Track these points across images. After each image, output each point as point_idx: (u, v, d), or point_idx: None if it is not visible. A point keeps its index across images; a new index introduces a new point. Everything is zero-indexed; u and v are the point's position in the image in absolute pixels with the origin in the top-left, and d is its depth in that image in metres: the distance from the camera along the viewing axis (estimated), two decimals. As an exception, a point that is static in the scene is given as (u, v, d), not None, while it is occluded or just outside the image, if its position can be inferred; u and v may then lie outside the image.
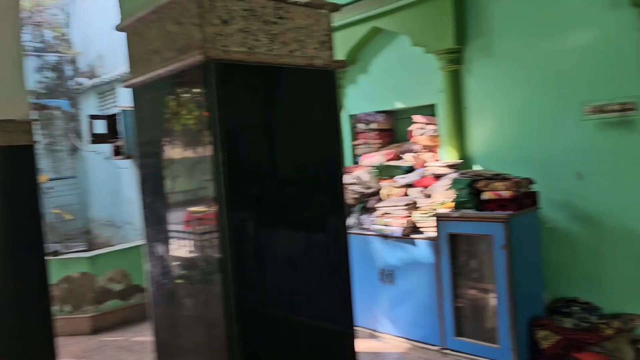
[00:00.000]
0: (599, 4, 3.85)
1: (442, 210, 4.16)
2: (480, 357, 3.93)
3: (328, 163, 2.13)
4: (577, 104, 3.98)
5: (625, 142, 3.80)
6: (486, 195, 3.93)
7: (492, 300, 3.87)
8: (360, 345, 4.59)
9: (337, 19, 5.43)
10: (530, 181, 4.00)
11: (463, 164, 4.64)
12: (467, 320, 4.10)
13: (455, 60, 4.66)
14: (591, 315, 3.83)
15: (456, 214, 4.00)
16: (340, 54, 5.49)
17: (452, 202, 4.11)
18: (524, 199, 3.92)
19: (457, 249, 4.09)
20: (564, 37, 4.06)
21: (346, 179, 5.21)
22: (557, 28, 4.09)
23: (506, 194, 3.83)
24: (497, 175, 4.03)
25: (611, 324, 3.71)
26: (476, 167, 4.63)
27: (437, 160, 4.84)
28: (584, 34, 3.96)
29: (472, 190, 4.00)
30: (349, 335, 2.17)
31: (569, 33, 4.04)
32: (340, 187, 2.15)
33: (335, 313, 2.12)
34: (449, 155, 4.76)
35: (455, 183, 4.12)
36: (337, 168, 2.14)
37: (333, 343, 2.13)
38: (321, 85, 2.11)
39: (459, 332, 4.09)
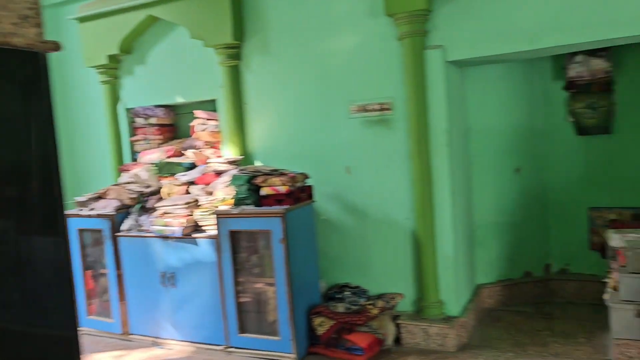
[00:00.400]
0: (361, 12, 4.16)
1: (223, 207, 4.10)
2: (263, 350, 3.98)
3: (39, 161, 1.84)
4: (345, 103, 4.28)
5: (384, 139, 4.20)
6: (264, 191, 3.97)
7: (273, 293, 3.94)
8: (142, 355, 4.30)
9: (110, 4, 4.96)
10: (305, 176, 4.16)
11: (244, 160, 4.64)
12: (250, 316, 4.11)
13: (234, 56, 4.62)
14: (360, 298, 4.16)
15: (236, 211, 3.97)
16: (113, 41, 5.02)
17: (232, 198, 4.07)
18: (299, 193, 4.07)
19: (238, 246, 4.07)
20: (332, 40, 4.31)
21: (123, 177, 4.81)
22: (326, 31, 4.32)
23: (283, 189, 3.93)
24: (275, 170, 4.11)
25: (376, 304, 4.08)
26: (257, 163, 4.67)
27: (219, 156, 4.75)
28: (348, 38, 4.25)
29: (251, 187, 4.01)
30: (73, 340, 1.93)
31: (336, 36, 4.30)
32: (57, 186, 1.89)
33: (56, 319, 1.87)
34: (230, 151, 4.71)
35: (234, 180, 4.09)
36: (51, 166, 1.86)
37: (54, 350, 1.89)
38: (24, 70, 1.78)
39: (243, 329, 4.08)
